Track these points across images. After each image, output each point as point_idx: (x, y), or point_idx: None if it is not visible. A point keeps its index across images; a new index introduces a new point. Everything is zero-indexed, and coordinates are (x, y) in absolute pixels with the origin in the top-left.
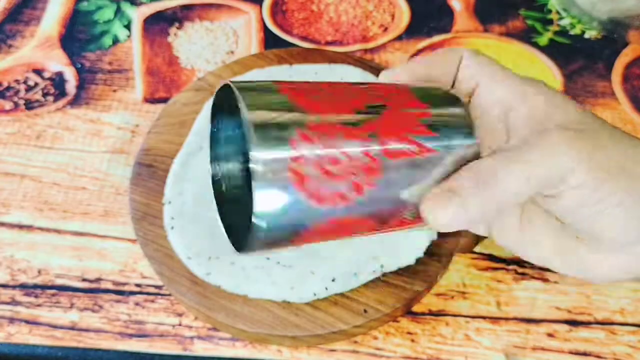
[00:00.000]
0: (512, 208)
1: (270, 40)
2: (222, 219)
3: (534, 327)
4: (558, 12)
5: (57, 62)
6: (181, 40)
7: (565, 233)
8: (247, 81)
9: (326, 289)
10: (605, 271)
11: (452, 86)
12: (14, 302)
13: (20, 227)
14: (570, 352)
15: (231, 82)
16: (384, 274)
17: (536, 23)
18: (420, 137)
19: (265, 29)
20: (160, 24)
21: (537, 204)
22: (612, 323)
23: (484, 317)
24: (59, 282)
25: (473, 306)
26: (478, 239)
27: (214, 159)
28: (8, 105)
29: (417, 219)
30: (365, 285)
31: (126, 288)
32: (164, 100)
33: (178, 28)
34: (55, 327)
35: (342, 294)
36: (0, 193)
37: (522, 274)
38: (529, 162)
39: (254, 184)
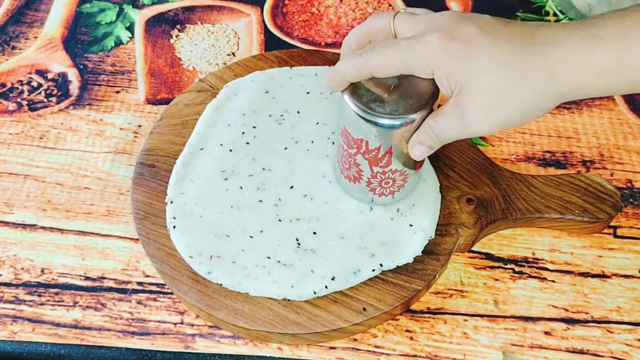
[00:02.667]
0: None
1: (270, 42)
2: None
3: (532, 326)
4: (555, 14)
5: (60, 64)
6: (183, 42)
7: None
8: None
9: (326, 287)
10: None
11: (395, 37)
12: (17, 301)
13: (24, 226)
14: (567, 350)
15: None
16: (383, 273)
17: None
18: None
19: (266, 31)
20: (162, 26)
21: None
22: (608, 322)
23: (481, 316)
24: (62, 280)
25: (471, 304)
26: (476, 239)
27: None
28: (12, 106)
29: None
30: (365, 283)
31: (129, 287)
32: (166, 101)
33: (180, 30)
34: (58, 325)
35: (341, 292)
36: (4, 193)
37: (520, 272)
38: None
39: None
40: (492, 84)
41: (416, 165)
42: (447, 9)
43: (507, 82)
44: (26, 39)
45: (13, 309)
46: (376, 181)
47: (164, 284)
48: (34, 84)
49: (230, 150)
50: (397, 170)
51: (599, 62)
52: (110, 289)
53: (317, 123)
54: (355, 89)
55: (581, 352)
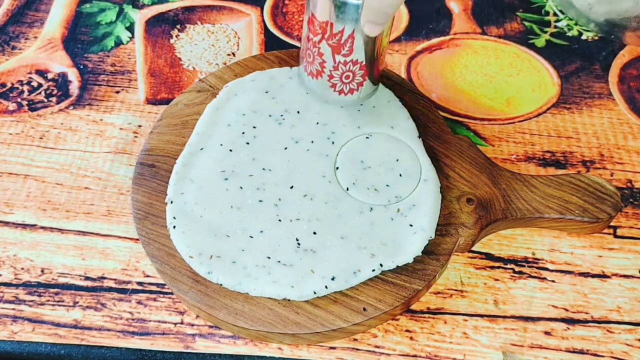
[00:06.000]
0: None
1: (270, 42)
2: None
3: (532, 326)
4: (555, 14)
5: (60, 64)
6: (183, 42)
7: None
8: None
9: (326, 287)
10: None
11: None
12: (17, 301)
13: (24, 226)
14: (567, 350)
15: None
16: (383, 273)
17: (534, 25)
18: None
19: (266, 31)
20: (162, 26)
21: None
22: (608, 321)
23: (481, 316)
24: (62, 280)
25: (471, 304)
26: (476, 239)
27: None
28: (12, 106)
29: None
30: (365, 283)
31: (129, 287)
32: (166, 101)
33: (180, 30)
34: (58, 325)
35: (341, 292)
36: (4, 193)
37: (520, 272)
38: None
39: None
40: None
41: (376, 60)
42: (447, 8)
43: None
44: (26, 39)
45: (13, 309)
46: (337, 74)
47: (164, 284)
48: (34, 84)
49: (230, 150)
50: (357, 61)
51: None
52: (110, 289)
53: (317, 123)
54: None
55: (581, 352)
